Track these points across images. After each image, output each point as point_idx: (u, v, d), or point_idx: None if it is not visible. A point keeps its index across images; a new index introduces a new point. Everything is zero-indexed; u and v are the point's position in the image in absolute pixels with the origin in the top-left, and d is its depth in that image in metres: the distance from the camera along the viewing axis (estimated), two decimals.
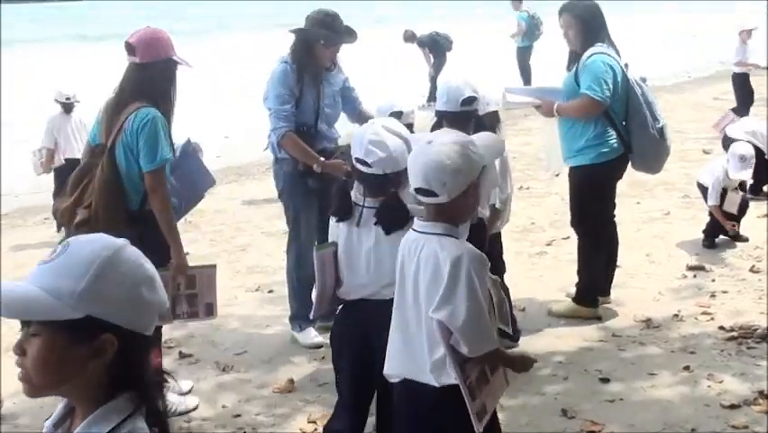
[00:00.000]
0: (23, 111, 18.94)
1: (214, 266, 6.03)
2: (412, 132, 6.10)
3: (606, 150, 6.70)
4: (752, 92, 15.82)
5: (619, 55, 6.82)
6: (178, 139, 5.74)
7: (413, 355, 3.67)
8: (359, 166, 4.21)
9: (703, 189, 9.02)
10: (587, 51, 6.67)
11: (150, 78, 5.38)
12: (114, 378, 2.01)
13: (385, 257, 4.21)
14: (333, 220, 4.40)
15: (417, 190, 3.58)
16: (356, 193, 4.34)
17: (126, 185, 5.35)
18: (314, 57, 6.57)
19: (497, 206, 6.13)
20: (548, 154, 7.65)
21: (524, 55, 22.08)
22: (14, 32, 43.12)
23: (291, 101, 6.50)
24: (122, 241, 2.06)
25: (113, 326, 1.97)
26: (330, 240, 4.42)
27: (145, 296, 2.03)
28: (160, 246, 5.36)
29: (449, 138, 3.66)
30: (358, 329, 4.35)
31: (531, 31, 21.84)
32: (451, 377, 3.52)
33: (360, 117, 6.75)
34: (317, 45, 6.53)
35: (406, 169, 3.86)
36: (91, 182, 5.32)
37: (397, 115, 6.06)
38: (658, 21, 65.65)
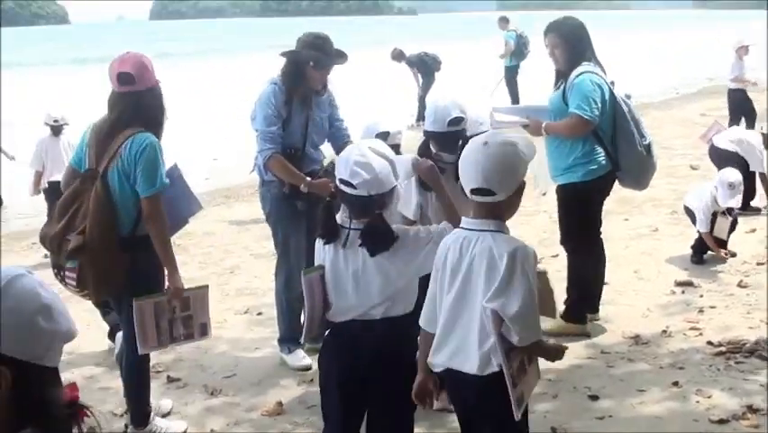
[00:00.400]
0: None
1: (207, 287, 6.02)
2: (398, 152, 6.11)
3: (594, 167, 6.72)
4: (753, 108, 15.76)
5: (605, 73, 6.85)
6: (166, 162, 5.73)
7: (460, 346, 3.83)
8: (343, 188, 4.18)
9: (690, 213, 9.02)
10: (574, 70, 6.69)
11: (146, 104, 5.39)
12: (17, 411, 1.96)
13: (372, 278, 4.22)
14: (319, 242, 4.37)
15: (474, 191, 3.74)
16: (342, 215, 4.33)
17: (120, 210, 5.34)
18: (304, 79, 6.57)
19: None
20: (536, 173, 7.64)
21: (511, 74, 22.18)
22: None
23: (278, 123, 6.49)
24: (19, 270, 2.03)
25: (7, 357, 1.93)
26: (316, 262, 4.40)
27: (42, 325, 1.99)
28: (153, 270, 5.48)
29: (503, 138, 3.84)
30: (346, 352, 4.32)
31: (519, 50, 22.02)
32: (494, 366, 3.70)
33: None
34: (308, 67, 6.53)
35: (391, 190, 4.12)
36: (81, 208, 5.29)
37: (384, 135, 6.04)
38: (646, 38, 65.95)
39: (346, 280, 4.26)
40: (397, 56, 21.87)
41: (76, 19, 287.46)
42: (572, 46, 6.80)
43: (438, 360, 3.93)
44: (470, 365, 3.77)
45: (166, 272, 5.53)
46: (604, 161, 6.75)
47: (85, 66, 41.93)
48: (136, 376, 5.81)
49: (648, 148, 6.81)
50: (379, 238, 4.19)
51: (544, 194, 8.39)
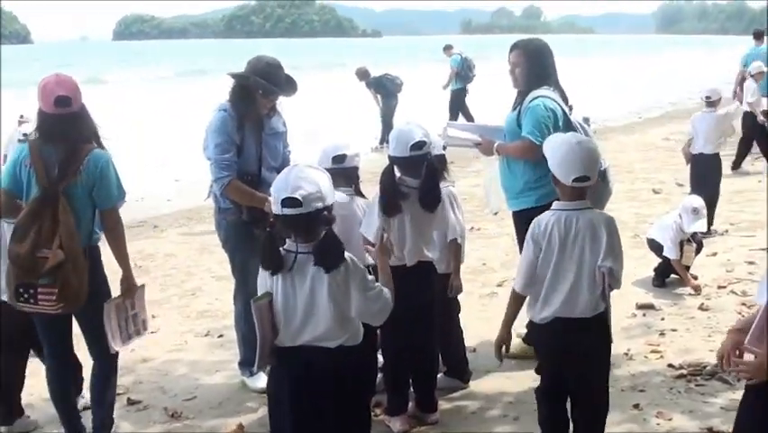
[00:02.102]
0: None
1: (144, 285, 6.15)
2: (357, 175, 6.14)
3: (546, 191, 6.63)
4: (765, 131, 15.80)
5: (566, 98, 6.83)
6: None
7: (569, 298, 4.86)
8: (287, 211, 4.18)
9: (655, 245, 9.04)
10: (531, 93, 6.68)
11: (85, 122, 5.59)
12: None
13: (322, 302, 4.25)
14: (263, 272, 4.36)
15: (576, 179, 4.82)
16: (289, 242, 4.33)
17: (81, 224, 5.49)
18: (253, 105, 6.52)
19: (458, 240, 6.15)
20: (488, 192, 7.66)
21: (459, 97, 22.41)
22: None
23: (232, 149, 6.43)
24: None
25: None
26: (261, 290, 4.37)
27: None
28: (104, 277, 5.78)
29: (587, 138, 5.44)
30: (298, 377, 4.31)
31: (465, 73, 22.23)
32: (600, 308, 4.91)
33: None
34: (256, 94, 6.49)
35: (332, 205, 4.30)
36: (44, 225, 5.33)
37: (341, 158, 6.03)
38: (610, 63, 66.50)
39: (296, 306, 4.26)
40: (362, 74, 21.94)
41: (38, 38, 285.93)
42: (534, 67, 6.76)
43: (546, 313, 4.92)
44: (581, 310, 4.87)
45: (121, 274, 5.79)
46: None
47: None
48: (111, 390, 6.00)
49: (603, 174, 6.77)
50: (333, 253, 4.26)
51: (496, 213, 8.41)
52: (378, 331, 5.84)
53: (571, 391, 5.10)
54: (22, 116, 13.17)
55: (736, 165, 15.59)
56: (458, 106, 22.27)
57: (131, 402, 6.72)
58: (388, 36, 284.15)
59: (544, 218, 4.94)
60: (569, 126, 6.62)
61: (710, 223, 10.59)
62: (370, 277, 4.47)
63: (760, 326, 3.50)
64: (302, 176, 4.22)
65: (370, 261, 6.35)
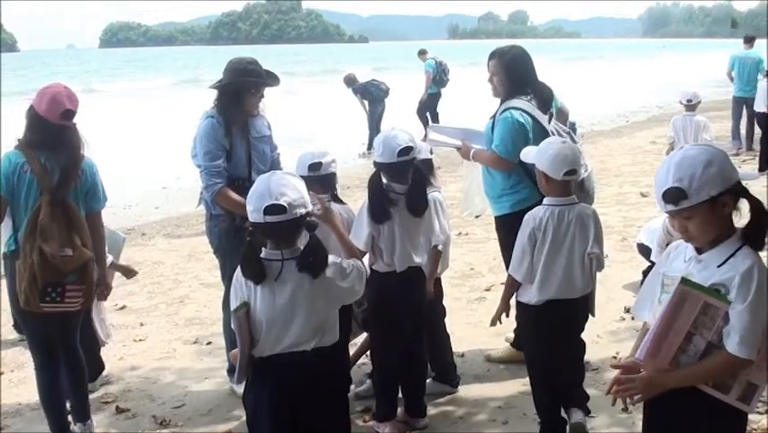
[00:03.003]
0: None
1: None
2: (334, 182, 6.17)
3: (522, 197, 6.61)
4: None
5: (546, 106, 6.80)
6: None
7: (564, 281, 5.51)
8: (269, 218, 4.15)
9: (643, 249, 9.05)
10: (504, 104, 6.68)
11: (79, 133, 5.91)
12: None
13: (302, 309, 4.23)
14: (239, 280, 4.31)
15: (566, 173, 5.36)
16: (268, 250, 4.29)
17: None
18: (241, 108, 6.55)
19: (439, 247, 6.14)
20: (465, 195, 7.65)
21: (433, 101, 22.48)
22: None
23: (222, 156, 6.45)
24: None
25: None
26: (237, 299, 4.30)
27: None
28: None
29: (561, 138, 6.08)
30: (277, 385, 4.28)
31: (439, 77, 22.33)
32: (590, 288, 5.69)
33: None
34: (247, 95, 6.52)
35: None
36: (60, 228, 5.67)
37: (317, 166, 6.03)
38: (597, 67, 66.70)
39: (277, 313, 4.23)
40: (350, 81, 22.03)
41: (25, 47, 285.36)
42: (511, 76, 6.72)
43: (542, 295, 5.54)
44: (575, 291, 5.56)
45: (99, 276, 6.09)
46: (529, 193, 6.63)
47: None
48: (82, 375, 6.20)
49: (582, 184, 6.74)
50: (320, 258, 4.27)
51: (478, 216, 8.41)
52: (350, 329, 6.11)
53: (564, 367, 5.83)
54: None
55: (763, 167, 15.54)
56: (429, 111, 22.37)
57: (119, 411, 6.70)
58: (375, 42, 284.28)
59: (539, 213, 5.52)
60: (543, 135, 6.59)
61: None
62: (345, 263, 4.46)
63: (646, 341, 3.52)
64: (283, 183, 4.21)
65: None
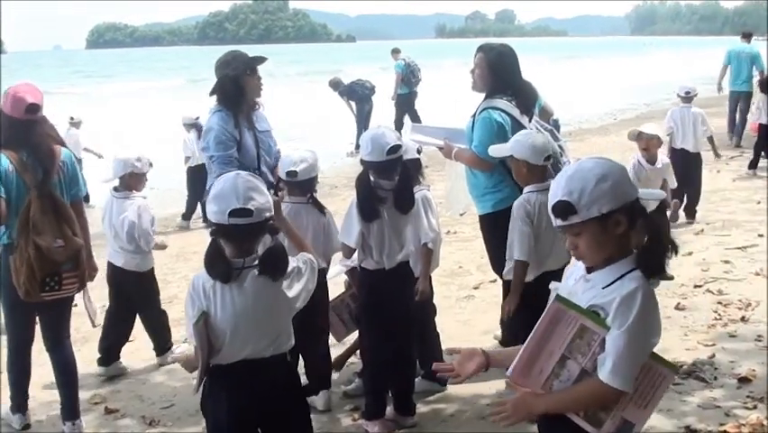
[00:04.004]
0: None
1: None
2: (313, 186, 6.26)
3: (503, 197, 6.60)
4: None
5: (528, 107, 6.78)
6: None
7: (552, 255, 6.01)
8: (234, 220, 4.06)
9: None
10: (483, 103, 6.67)
11: (50, 125, 6.25)
12: None
13: (262, 314, 4.19)
14: (197, 287, 4.17)
15: (546, 158, 5.86)
16: (228, 255, 4.19)
17: None
18: (244, 94, 6.63)
19: (429, 245, 6.14)
20: (449, 194, 7.66)
21: (407, 101, 22.52)
22: None
23: (233, 146, 6.52)
24: None
25: None
26: (194, 308, 4.18)
27: None
28: None
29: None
30: (237, 392, 4.22)
31: (407, 78, 22.39)
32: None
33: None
34: (244, 77, 6.60)
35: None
36: (50, 220, 5.97)
37: (293, 173, 6.13)
38: (584, 65, 66.80)
39: (240, 320, 4.15)
40: (335, 85, 22.12)
41: (12, 48, 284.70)
42: (494, 73, 6.72)
43: (538, 270, 5.98)
44: (563, 261, 5.96)
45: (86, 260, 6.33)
46: (511, 191, 6.62)
47: None
48: (72, 371, 6.41)
49: None
50: (282, 262, 4.23)
51: (462, 214, 8.42)
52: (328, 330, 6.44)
53: None
54: (72, 118, 15.51)
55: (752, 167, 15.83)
56: (406, 111, 22.40)
57: (108, 411, 6.70)
58: (363, 41, 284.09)
59: (531, 198, 5.90)
60: None
61: (692, 216, 11.59)
62: (300, 262, 4.38)
63: (521, 360, 3.27)
64: (251, 186, 4.15)
65: (348, 263, 6.41)
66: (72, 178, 6.25)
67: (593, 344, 3.13)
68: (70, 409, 6.30)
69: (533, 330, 3.24)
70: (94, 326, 6.96)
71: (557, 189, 3.21)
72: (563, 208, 3.16)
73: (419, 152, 6.62)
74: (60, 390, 6.34)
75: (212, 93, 6.72)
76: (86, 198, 16.62)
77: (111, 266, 7.76)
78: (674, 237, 3.66)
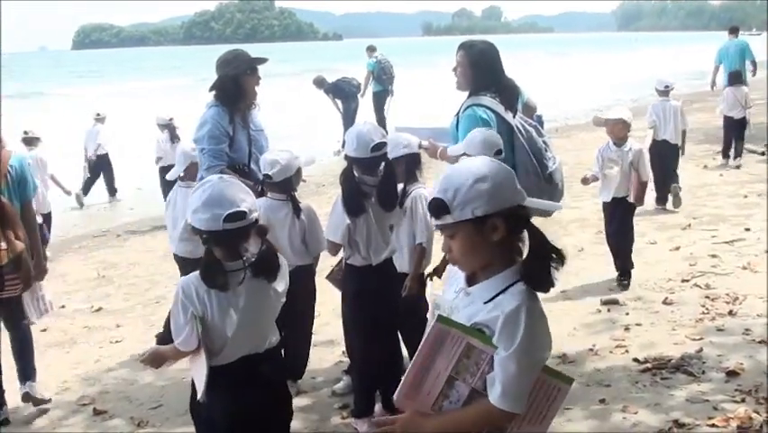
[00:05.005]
0: None
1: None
2: (291, 185, 6.32)
3: None
4: None
5: (512, 103, 6.77)
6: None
7: None
8: (228, 225, 3.99)
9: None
10: (467, 101, 6.65)
11: None
12: None
13: (257, 312, 4.18)
14: (195, 295, 4.08)
15: (496, 152, 5.79)
16: (222, 258, 4.12)
17: None
18: (243, 93, 6.74)
19: (423, 245, 6.15)
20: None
21: (379, 99, 22.59)
22: None
23: (225, 141, 6.63)
24: None
25: None
26: (186, 311, 4.08)
27: None
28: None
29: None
30: (238, 390, 4.18)
31: (379, 75, 22.49)
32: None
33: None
34: (244, 77, 6.71)
35: None
36: None
37: (268, 177, 6.21)
38: (571, 61, 66.90)
39: (239, 322, 4.11)
40: (320, 83, 22.10)
41: None
42: (475, 70, 6.66)
43: None
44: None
45: (34, 260, 6.64)
46: None
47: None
48: (28, 345, 6.89)
49: (550, 177, 6.70)
50: (275, 265, 4.22)
51: None
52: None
53: None
54: (98, 114, 16.43)
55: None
56: (375, 110, 22.50)
57: (96, 412, 6.67)
58: (349, 39, 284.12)
59: None
60: (507, 131, 6.60)
61: (664, 200, 12.30)
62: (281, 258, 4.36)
63: (407, 382, 3.09)
64: (238, 189, 4.10)
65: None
66: (21, 181, 6.64)
67: (481, 363, 2.93)
68: (26, 374, 6.78)
69: (417, 351, 3.03)
70: (30, 324, 7.01)
71: (435, 186, 3.00)
72: (436, 207, 2.95)
73: (419, 146, 6.62)
74: (17, 359, 6.79)
75: (211, 89, 6.83)
76: (113, 193, 17.13)
77: (178, 259, 7.76)
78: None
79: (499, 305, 2.90)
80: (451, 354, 2.96)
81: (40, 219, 9.62)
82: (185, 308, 4.07)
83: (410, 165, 6.25)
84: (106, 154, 16.96)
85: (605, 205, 9.12)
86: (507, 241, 2.96)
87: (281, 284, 4.28)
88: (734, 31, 19.83)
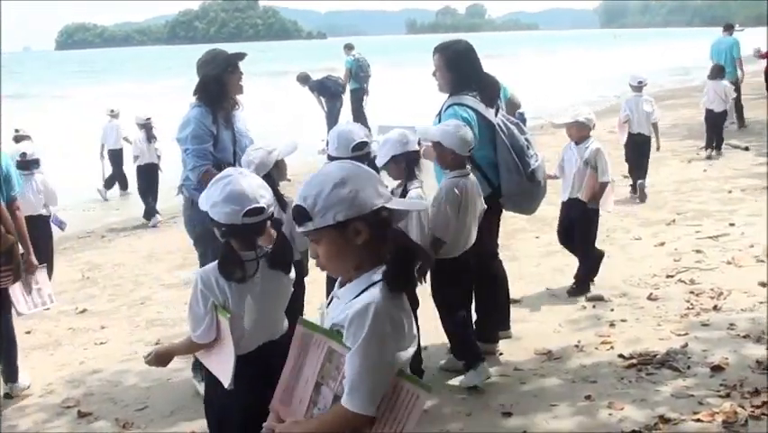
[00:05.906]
0: None
1: (45, 265, 7.81)
2: (273, 182, 6.27)
3: None
4: None
5: (492, 100, 6.76)
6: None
7: (471, 235, 6.45)
8: (247, 219, 4.07)
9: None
10: (447, 101, 6.66)
11: None
12: None
13: (273, 297, 4.26)
14: (215, 285, 4.14)
15: (471, 150, 6.21)
16: (238, 249, 4.19)
17: None
18: (225, 92, 6.70)
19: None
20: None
21: (357, 97, 22.61)
22: None
23: (209, 141, 6.57)
24: None
25: None
26: (205, 300, 4.15)
27: None
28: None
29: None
30: (263, 376, 4.18)
31: (356, 73, 22.52)
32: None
33: None
34: (226, 75, 6.66)
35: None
36: None
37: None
38: (554, 58, 67.00)
39: (257, 312, 4.20)
40: (303, 79, 22.08)
41: None
42: (453, 71, 6.67)
43: (461, 249, 6.40)
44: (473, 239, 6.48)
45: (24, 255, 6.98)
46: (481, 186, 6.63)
47: None
48: (7, 340, 7.02)
49: (532, 175, 6.70)
50: (289, 256, 4.31)
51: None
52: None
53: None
54: (112, 111, 16.63)
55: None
56: (352, 108, 22.52)
57: (81, 415, 6.63)
58: (333, 38, 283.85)
59: (458, 182, 6.26)
60: (489, 129, 6.61)
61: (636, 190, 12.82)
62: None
63: (280, 388, 3.11)
64: (257, 183, 4.18)
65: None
66: (6, 179, 6.89)
67: (341, 366, 2.88)
68: (10, 373, 7.02)
69: (287, 358, 3.04)
70: (18, 314, 7.33)
71: (297, 193, 2.98)
72: (298, 214, 2.94)
73: (419, 144, 6.61)
74: (1, 357, 6.99)
75: (195, 92, 6.77)
76: (124, 186, 17.17)
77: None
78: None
79: (354, 304, 2.87)
80: (315, 359, 2.96)
81: (54, 210, 10.08)
82: (205, 298, 4.14)
83: (410, 163, 6.23)
84: (121, 150, 17.01)
85: (561, 204, 8.92)
86: (373, 242, 2.93)
87: (292, 271, 4.38)
88: (728, 28, 20.63)
